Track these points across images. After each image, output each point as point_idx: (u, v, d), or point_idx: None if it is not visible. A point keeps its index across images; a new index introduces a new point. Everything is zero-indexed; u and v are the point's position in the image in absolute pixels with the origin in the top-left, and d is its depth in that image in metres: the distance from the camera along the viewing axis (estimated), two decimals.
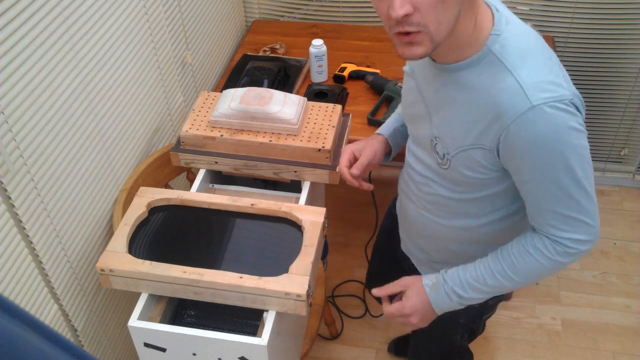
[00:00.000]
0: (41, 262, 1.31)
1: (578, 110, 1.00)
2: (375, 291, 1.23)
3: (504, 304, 2.30)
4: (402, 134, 1.39)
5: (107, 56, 1.48)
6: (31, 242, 1.27)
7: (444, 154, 1.11)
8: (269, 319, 1.23)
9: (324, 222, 1.34)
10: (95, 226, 1.51)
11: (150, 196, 1.40)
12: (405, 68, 1.23)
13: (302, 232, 1.32)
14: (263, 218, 1.38)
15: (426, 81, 1.11)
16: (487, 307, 1.39)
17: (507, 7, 1.07)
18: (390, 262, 1.56)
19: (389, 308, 1.22)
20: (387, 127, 1.39)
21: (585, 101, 2.97)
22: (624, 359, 2.12)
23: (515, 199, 1.16)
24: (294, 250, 1.28)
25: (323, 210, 1.35)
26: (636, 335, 2.19)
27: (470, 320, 1.41)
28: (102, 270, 1.26)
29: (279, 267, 1.25)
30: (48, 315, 1.35)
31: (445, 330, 1.44)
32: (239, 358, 1.23)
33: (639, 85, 2.44)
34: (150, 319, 1.28)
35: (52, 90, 1.28)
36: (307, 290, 1.20)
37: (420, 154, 1.21)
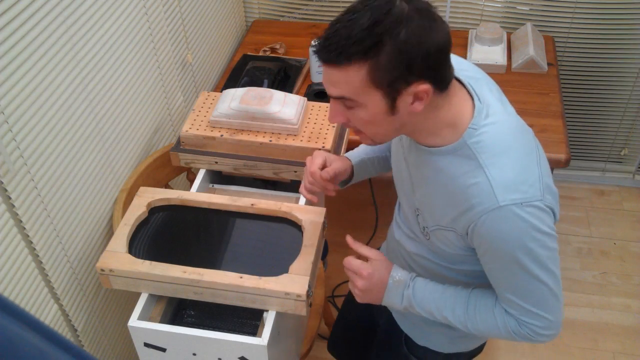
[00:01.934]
0: (41, 262, 1.31)
1: (550, 208, 0.99)
2: (350, 240, 1.18)
3: None
4: (367, 166, 1.34)
5: (107, 56, 1.48)
6: (31, 242, 1.27)
7: (424, 227, 1.12)
8: (269, 319, 1.23)
9: (324, 222, 1.34)
10: (95, 226, 1.51)
11: (150, 196, 1.40)
12: None
13: (302, 232, 1.32)
14: (263, 218, 1.38)
15: (410, 153, 1.11)
16: None
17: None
18: (361, 317, 1.55)
19: (353, 261, 1.16)
20: (355, 155, 1.34)
21: (585, 101, 2.97)
22: (623, 359, 2.13)
23: None
24: (294, 251, 1.28)
25: (323, 210, 1.35)
26: (636, 335, 2.19)
27: None
28: (102, 270, 1.26)
29: (279, 267, 1.25)
30: (48, 315, 1.35)
31: None
32: (239, 358, 1.23)
33: (639, 85, 2.44)
34: (150, 319, 1.28)
35: (52, 90, 1.28)
36: (307, 291, 1.20)
37: (408, 216, 1.20)
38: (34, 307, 1.30)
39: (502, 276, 1.03)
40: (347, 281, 2.37)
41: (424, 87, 0.91)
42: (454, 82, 0.99)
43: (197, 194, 1.43)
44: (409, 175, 1.13)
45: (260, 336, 1.21)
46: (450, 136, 0.99)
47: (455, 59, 1.03)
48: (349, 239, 1.18)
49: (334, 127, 1.53)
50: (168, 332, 1.23)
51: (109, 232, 1.57)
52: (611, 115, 2.56)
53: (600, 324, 2.23)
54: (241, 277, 1.22)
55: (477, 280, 1.14)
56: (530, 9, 2.37)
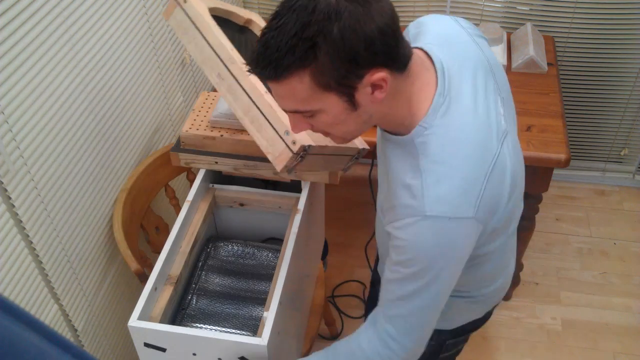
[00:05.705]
0: (41, 262, 1.31)
1: (482, 222, 0.95)
2: None
3: (504, 304, 2.30)
4: None
5: (107, 56, 1.48)
6: (31, 242, 1.27)
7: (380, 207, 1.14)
8: (269, 319, 1.23)
9: None
10: (95, 226, 1.51)
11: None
12: None
13: None
14: None
15: (381, 139, 1.09)
16: (444, 347, 1.33)
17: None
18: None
19: None
20: None
21: (585, 101, 2.96)
22: (624, 359, 2.13)
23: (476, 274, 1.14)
24: None
25: None
26: (636, 335, 2.19)
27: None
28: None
29: None
30: (48, 315, 1.35)
31: None
32: (239, 358, 1.23)
33: (639, 85, 2.44)
34: (150, 319, 1.28)
35: (52, 90, 1.28)
36: (305, 147, 1.14)
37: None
38: (34, 307, 1.30)
39: (396, 282, 0.99)
40: (347, 281, 2.38)
41: (380, 74, 0.85)
42: (423, 59, 0.95)
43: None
44: (381, 161, 1.13)
45: (260, 336, 1.21)
46: (405, 128, 0.96)
47: (452, 27, 1.02)
48: None
49: None
50: (168, 332, 1.23)
51: (109, 232, 1.57)
52: (611, 115, 2.56)
53: (600, 324, 2.23)
54: (266, 93, 1.22)
55: None
56: (530, 9, 2.37)
